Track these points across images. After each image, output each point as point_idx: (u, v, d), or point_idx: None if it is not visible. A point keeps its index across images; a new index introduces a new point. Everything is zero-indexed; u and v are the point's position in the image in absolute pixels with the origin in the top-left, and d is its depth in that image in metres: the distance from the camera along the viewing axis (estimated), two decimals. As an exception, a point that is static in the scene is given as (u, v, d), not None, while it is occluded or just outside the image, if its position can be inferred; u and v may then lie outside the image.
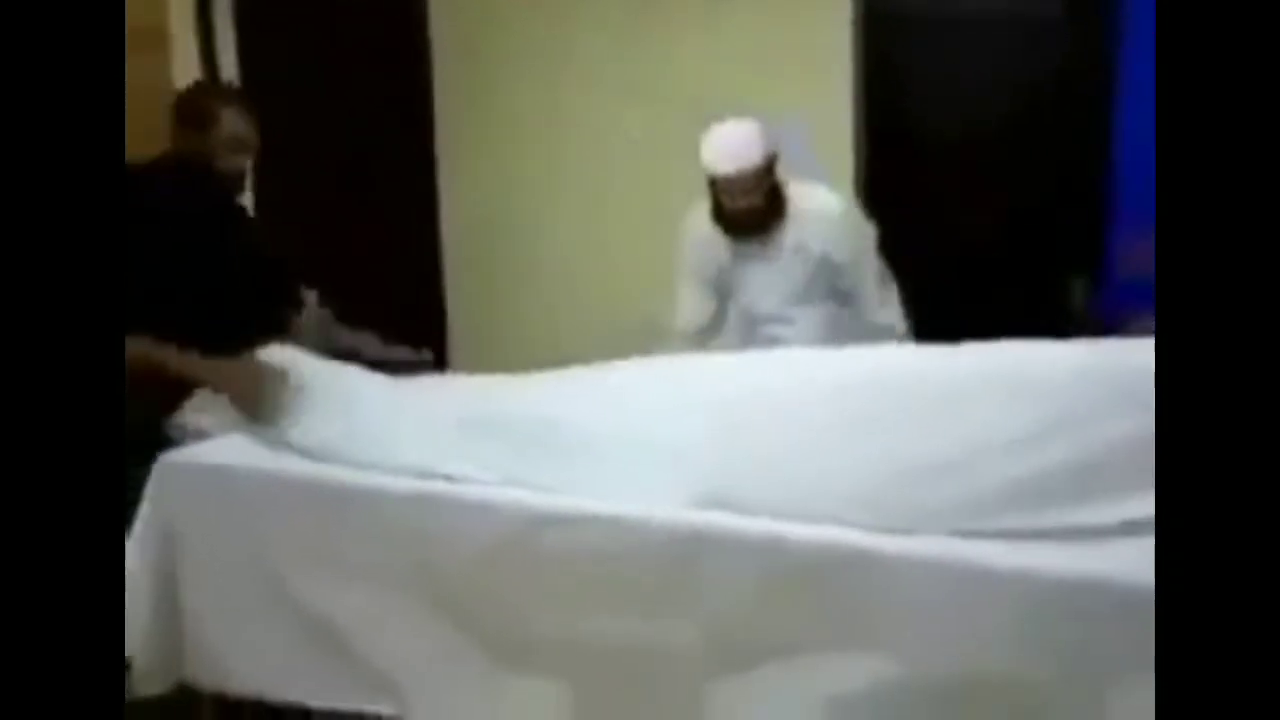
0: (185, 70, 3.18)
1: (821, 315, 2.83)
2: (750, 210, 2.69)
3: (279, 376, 2.08)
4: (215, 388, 2.14)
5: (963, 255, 3.72)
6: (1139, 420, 1.51)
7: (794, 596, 1.60)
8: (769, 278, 2.81)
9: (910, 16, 3.74)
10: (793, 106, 3.63)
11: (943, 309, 2.89)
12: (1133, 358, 1.61)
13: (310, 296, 2.64)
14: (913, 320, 2.87)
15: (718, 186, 2.68)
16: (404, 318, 3.87)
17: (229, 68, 3.31)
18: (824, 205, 2.80)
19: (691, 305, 2.92)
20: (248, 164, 2.48)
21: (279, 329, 2.41)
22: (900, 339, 2.76)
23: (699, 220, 2.84)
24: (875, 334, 2.75)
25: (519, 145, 4.25)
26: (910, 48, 3.77)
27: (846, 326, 2.81)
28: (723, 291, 2.90)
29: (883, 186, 3.83)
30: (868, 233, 2.87)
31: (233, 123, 2.42)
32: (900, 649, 1.53)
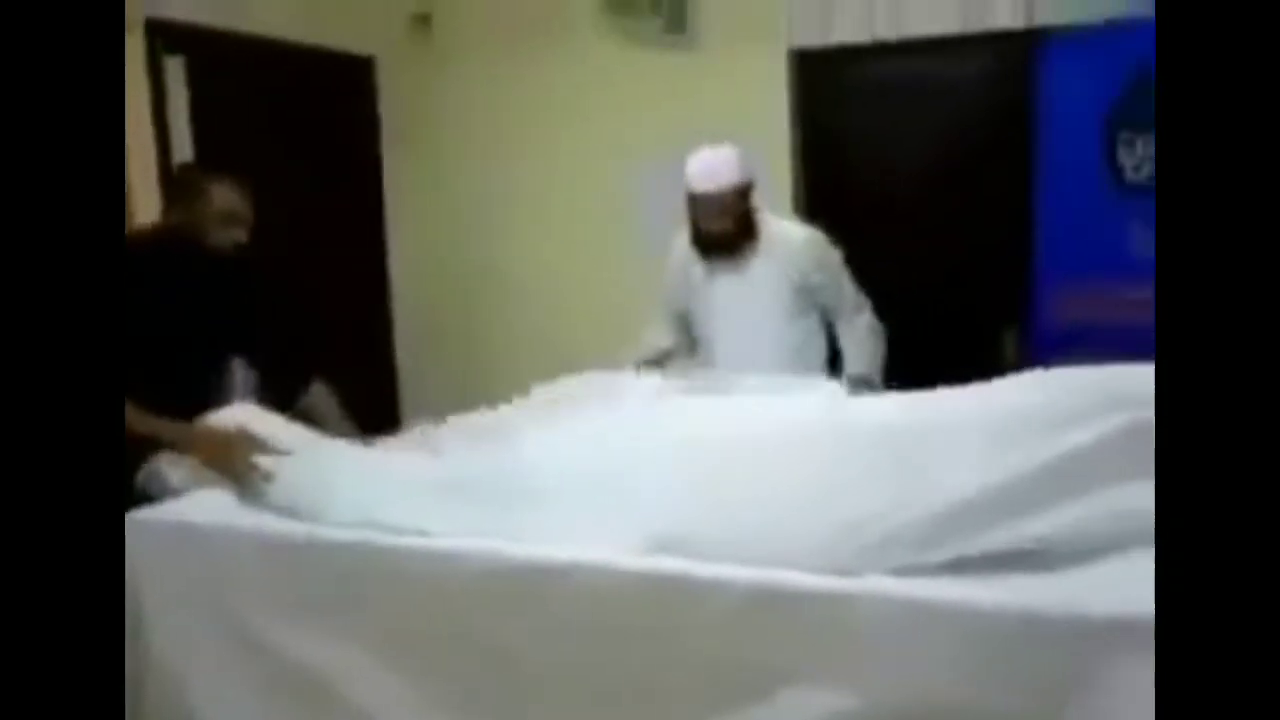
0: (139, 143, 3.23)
1: (790, 338, 2.96)
2: (722, 232, 2.83)
3: (250, 440, 2.13)
4: (186, 450, 2.18)
5: (899, 311, 3.87)
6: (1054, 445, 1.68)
7: (750, 637, 1.67)
8: (740, 300, 2.92)
9: (844, 84, 3.93)
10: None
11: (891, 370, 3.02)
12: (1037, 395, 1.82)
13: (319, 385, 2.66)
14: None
15: (693, 204, 2.83)
16: (355, 364, 3.93)
17: (180, 132, 3.37)
18: (793, 234, 2.96)
19: (653, 331, 3.09)
20: (242, 236, 2.49)
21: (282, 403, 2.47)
22: (874, 388, 2.84)
23: (681, 242, 2.98)
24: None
25: (466, 187, 4.35)
26: (843, 113, 3.95)
27: (816, 350, 3.01)
28: (692, 315, 3.04)
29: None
30: (835, 256, 2.99)
31: (223, 197, 2.44)
32: (854, 683, 1.60)
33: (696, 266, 2.96)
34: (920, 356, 2.87)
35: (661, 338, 3.07)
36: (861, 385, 2.77)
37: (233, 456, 2.11)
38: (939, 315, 3.78)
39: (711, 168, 2.79)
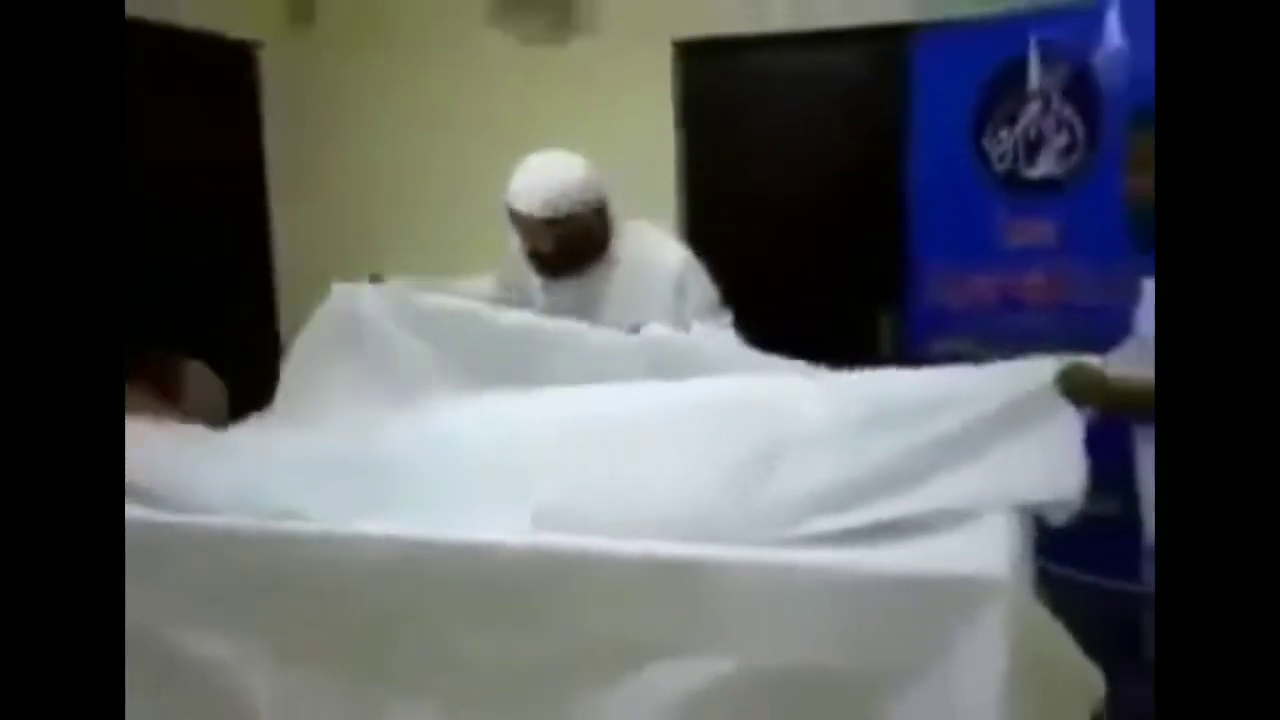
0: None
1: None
2: (550, 255, 2.46)
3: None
4: None
5: (779, 295, 3.99)
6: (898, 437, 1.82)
7: (635, 607, 1.73)
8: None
9: (726, 75, 4.02)
10: (613, 156, 3.87)
11: (764, 346, 3.10)
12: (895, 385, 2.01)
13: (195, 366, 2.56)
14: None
15: (514, 221, 2.46)
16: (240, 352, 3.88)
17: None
18: (661, 258, 2.56)
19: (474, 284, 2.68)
20: None
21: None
22: None
23: (511, 252, 2.65)
24: None
25: (349, 195, 4.32)
26: (725, 103, 4.05)
27: None
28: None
29: (703, 230, 4.09)
30: (709, 295, 2.60)
31: None
32: (729, 649, 1.68)
33: (533, 277, 2.58)
34: (801, 338, 2.96)
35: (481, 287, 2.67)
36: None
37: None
38: (818, 299, 3.91)
39: (537, 184, 2.42)
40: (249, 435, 2.23)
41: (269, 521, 1.91)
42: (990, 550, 1.64)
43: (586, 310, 2.46)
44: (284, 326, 4.44)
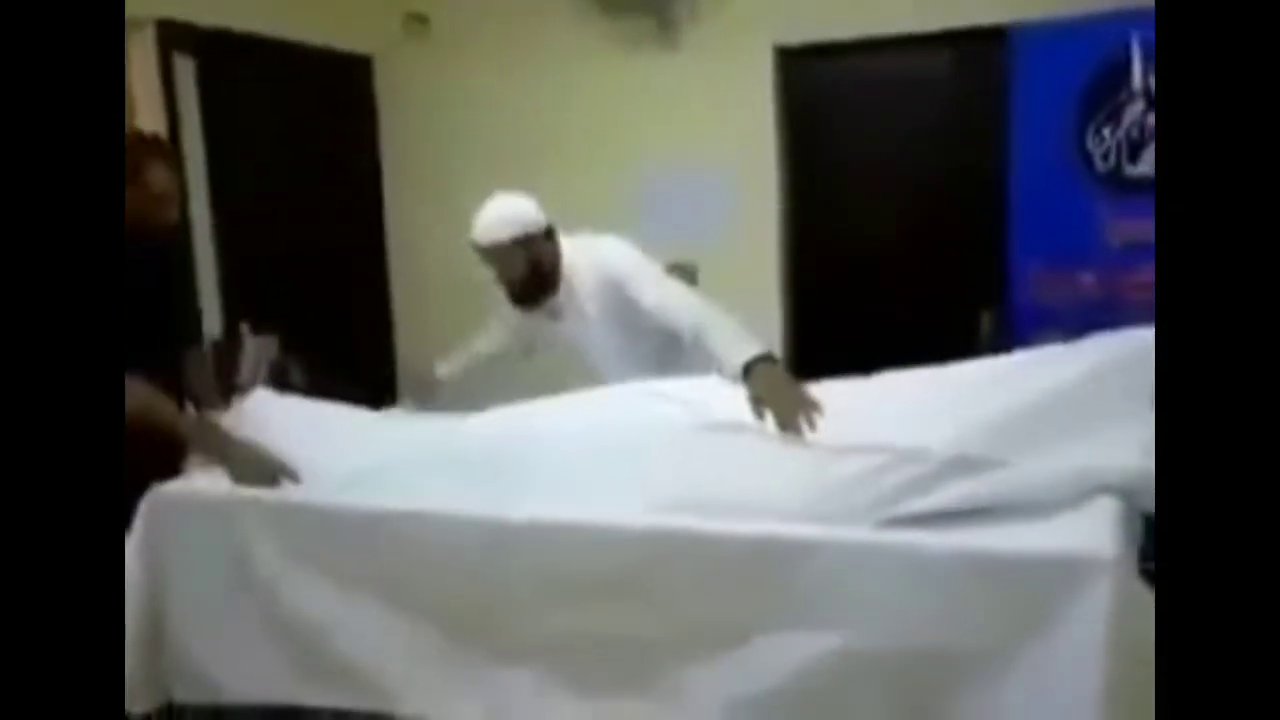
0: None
1: (639, 360, 2.67)
2: (511, 283, 2.70)
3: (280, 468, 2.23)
4: (217, 462, 2.26)
5: (882, 295, 4.05)
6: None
7: (747, 585, 1.83)
8: (570, 341, 2.78)
9: (826, 79, 4.09)
10: (719, 159, 3.97)
11: (867, 346, 3.15)
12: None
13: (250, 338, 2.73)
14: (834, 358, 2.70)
15: (481, 257, 2.69)
16: (357, 365, 4.07)
17: (192, 129, 3.50)
18: (599, 258, 2.70)
19: (487, 332, 2.98)
20: (175, 215, 2.46)
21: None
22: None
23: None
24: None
25: (461, 202, 4.46)
26: (826, 107, 4.11)
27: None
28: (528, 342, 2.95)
29: (806, 234, 4.17)
30: (648, 266, 2.67)
31: (159, 177, 2.35)
32: (840, 626, 1.75)
33: (517, 316, 2.84)
34: (902, 338, 2.98)
35: (494, 337, 2.96)
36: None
37: (253, 475, 2.20)
38: (920, 299, 3.95)
39: (486, 221, 2.65)
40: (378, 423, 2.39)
41: (405, 503, 2.06)
42: (1096, 530, 1.69)
43: (559, 329, 2.77)
44: (398, 324, 4.64)
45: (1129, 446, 1.80)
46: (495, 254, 2.65)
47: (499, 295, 2.78)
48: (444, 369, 2.96)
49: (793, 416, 1.98)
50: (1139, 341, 1.85)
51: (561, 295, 2.73)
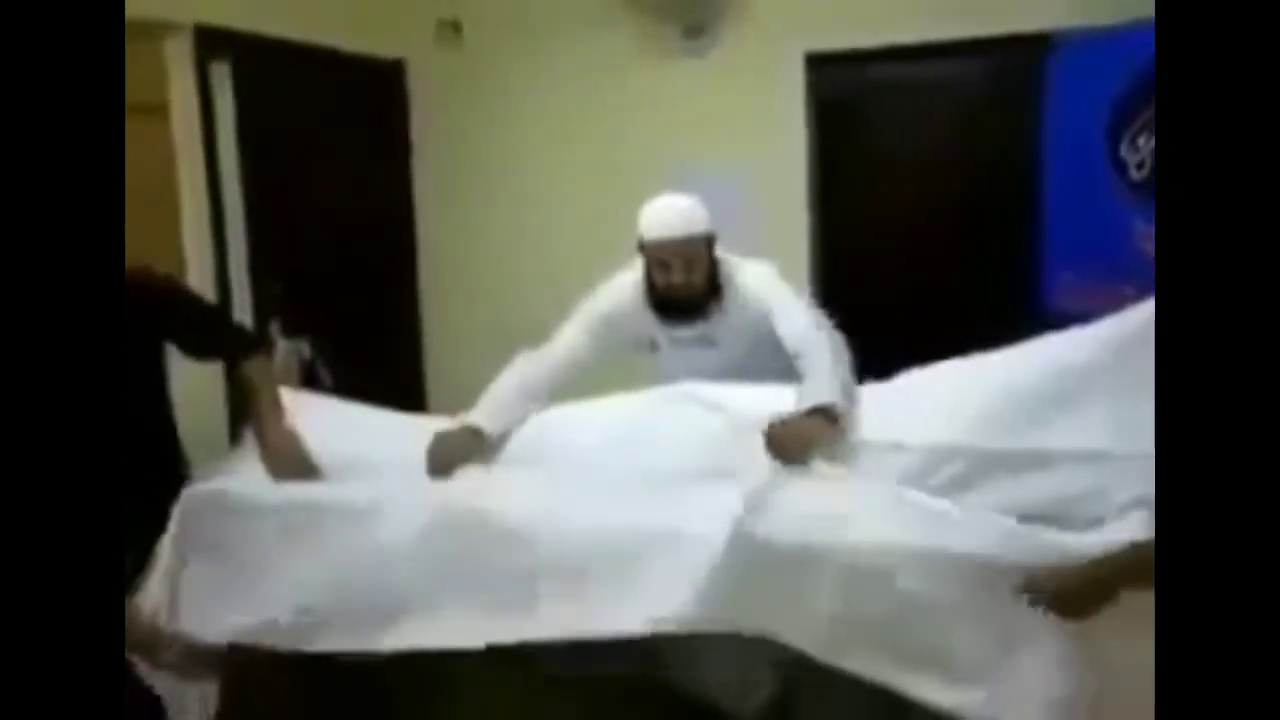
0: (188, 140, 3.41)
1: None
2: (687, 285, 2.47)
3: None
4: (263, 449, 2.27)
5: (913, 304, 4.01)
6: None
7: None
8: (703, 365, 2.49)
9: (855, 84, 4.07)
10: (747, 165, 3.96)
11: (895, 356, 3.13)
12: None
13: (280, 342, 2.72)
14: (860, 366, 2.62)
15: (654, 255, 2.48)
16: (385, 370, 4.10)
17: (227, 134, 3.54)
18: (757, 277, 2.55)
19: (571, 341, 2.53)
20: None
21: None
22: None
23: (623, 293, 2.58)
24: None
25: (492, 206, 4.50)
26: (858, 114, 4.10)
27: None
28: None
29: (834, 241, 4.15)
30: (800, 301, 2.56)
31: None
32: None
33: (650, 322, 2.56)
34: (931, 347, 2.95)
35: (532, 395, 2.42)
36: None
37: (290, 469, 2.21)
38: (950, 308, 3.91)
39: (673, 213, 2.46)
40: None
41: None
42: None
43: (706, 350, 2.54)
44: (426, 332, 4.67)
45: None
46: (684, 248, 2.43)
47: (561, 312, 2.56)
48: (488, 421, 2.34)
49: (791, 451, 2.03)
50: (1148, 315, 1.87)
51: (713, 318, 2.52)
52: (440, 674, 2.25)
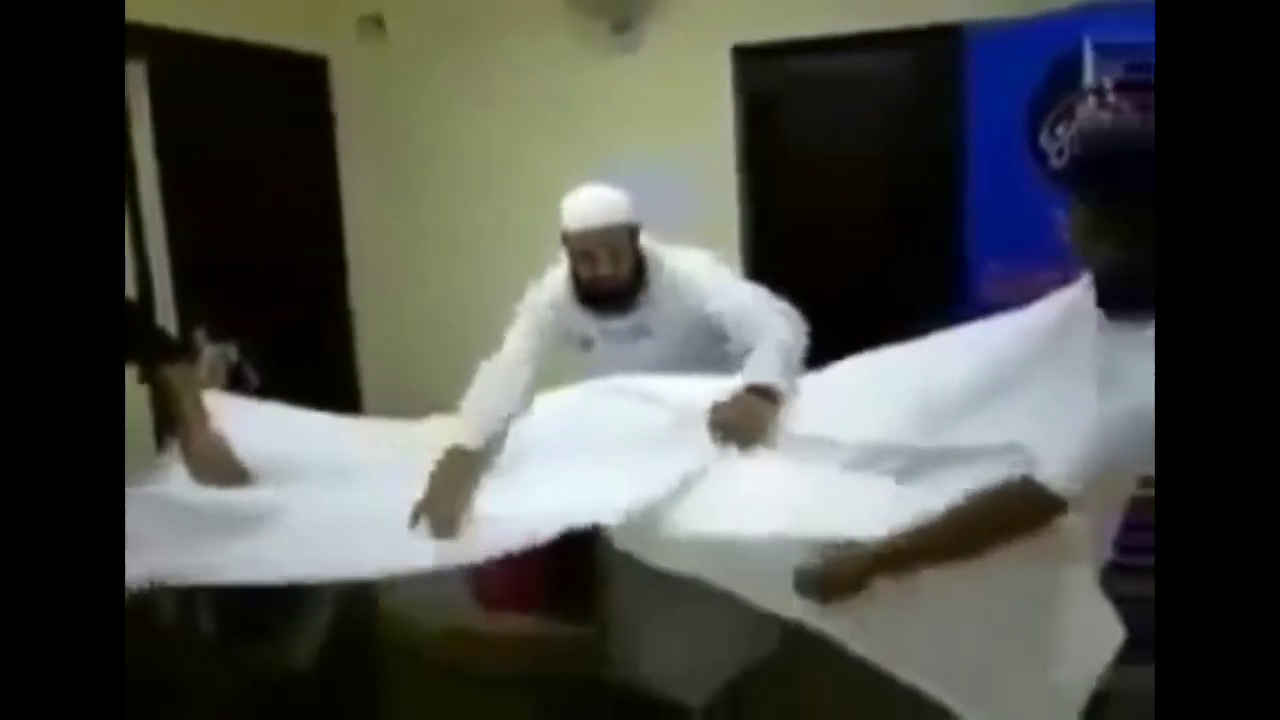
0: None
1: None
2: (613, 277, 2.45)
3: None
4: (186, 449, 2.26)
5: (838, 298, 4.05)
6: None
7: None
8: (640, 358, 2.51)
9: (782, 77, 4.11)
10: (677, 159, 3.97)
11: (825, 345, 3.16)
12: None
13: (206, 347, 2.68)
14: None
15: (576, 246, 2.46)
16: (318, 371, 4.03)
17: (143, 133, 3.45)
18: (689, 263, 2.56)
19: (495, 390, 2.42)
20: None
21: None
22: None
23: (555, 288, 2.58)
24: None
25: (421, 204, 4.46)
26: (785, 106, 4.14)
27: None
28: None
29: (764, 232, 4.18)
30: (740, 284, 2.60)
31: None
32: None
33: (580, 316, 2.56)
34: (858, 340, 2.98)
35: (507, 400, 2.41)
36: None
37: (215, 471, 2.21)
38: (876, 301, 3.96)
39: (594, 204, 2.44)
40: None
41: None
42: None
43: (641, 341, 2.54)
44: (359, 329, 4.60)
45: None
46: (607, 238, 2.41)
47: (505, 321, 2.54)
48: (472, 437, 2.32)
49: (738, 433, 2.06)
50: (1068, 302, 1.94)
51: (644, 308, 2.51)
52: (386, 678, 2.23)
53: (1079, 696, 1.64)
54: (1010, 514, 1.61)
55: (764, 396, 2.15)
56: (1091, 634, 1.67)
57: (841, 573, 1.70)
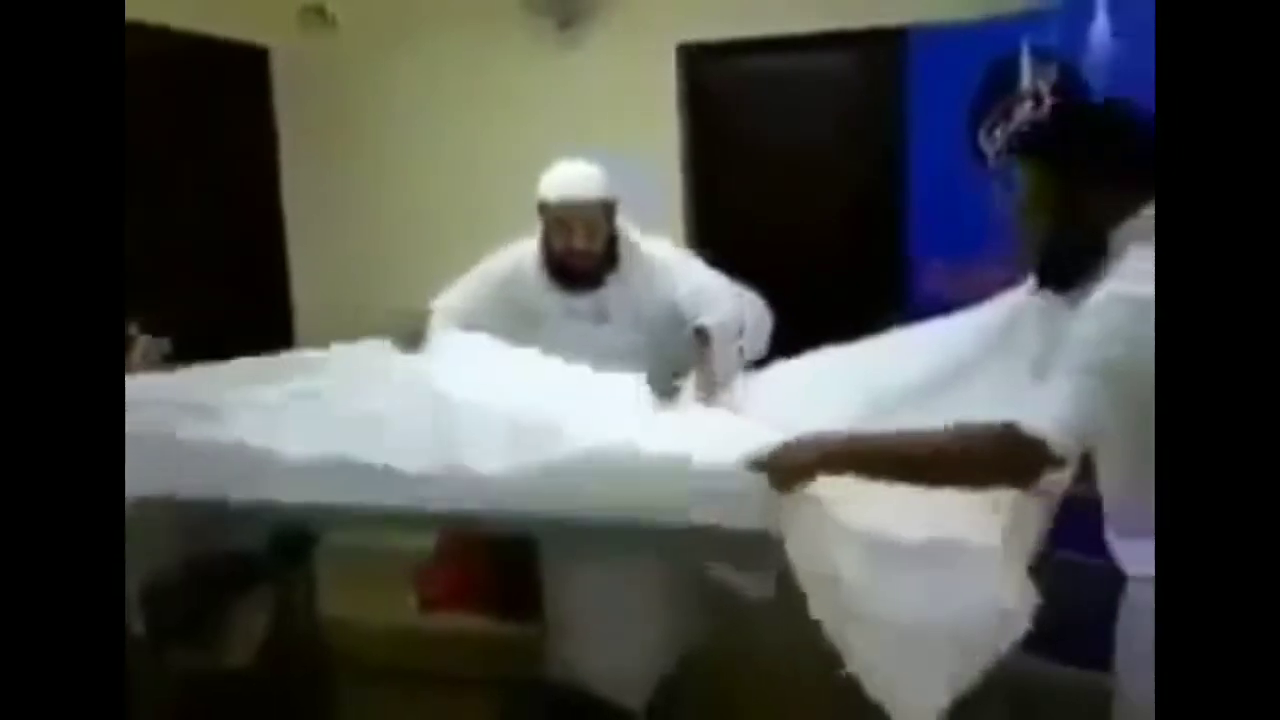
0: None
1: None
2: (587, 251, 2.48)
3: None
4: None
5: (783, 298, 4.07)
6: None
7: None
8: (592, 343, 2.49)
9: (726, 75, 4.13)
10: (622, 156, 3.96)
11: (775, 341, 3.16)
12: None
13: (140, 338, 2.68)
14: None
15: (554, 216, 2.47)
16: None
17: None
18: (662, 248, 2.64)
19: (468, 292, 2.61)
20: None
21: None
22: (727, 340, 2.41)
23: (523, 259, 2.61)
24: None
25: (364, 199, 4.40)
26: (728, 103, 4.16)
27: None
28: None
29: (709, 232, 4.19)
30: (711, 271, 2.66)
31: None
32: None
33: (546, 292, 2.58)
34: (806, 333, 3.00)
35: (475, 305, 2.60)
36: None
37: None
38: (822, 300, 3.99)
39: (573, 177, 2.49)
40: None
41: None
42: None
43: (597, 325, 2.57)
44: (300, 324, 4.54)
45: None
46: (585, 210, 2.44)
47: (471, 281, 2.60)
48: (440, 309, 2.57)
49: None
50: (1014, 304, 1.96)
51: (611, 287, 2.53)
52: (330, 678, 2.20)
53: (966, 676, 1.54)
54: (986, 455, 1.50)
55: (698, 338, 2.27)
56: (1001, 616, 1.61)
57: (793, 456, 1.64)
